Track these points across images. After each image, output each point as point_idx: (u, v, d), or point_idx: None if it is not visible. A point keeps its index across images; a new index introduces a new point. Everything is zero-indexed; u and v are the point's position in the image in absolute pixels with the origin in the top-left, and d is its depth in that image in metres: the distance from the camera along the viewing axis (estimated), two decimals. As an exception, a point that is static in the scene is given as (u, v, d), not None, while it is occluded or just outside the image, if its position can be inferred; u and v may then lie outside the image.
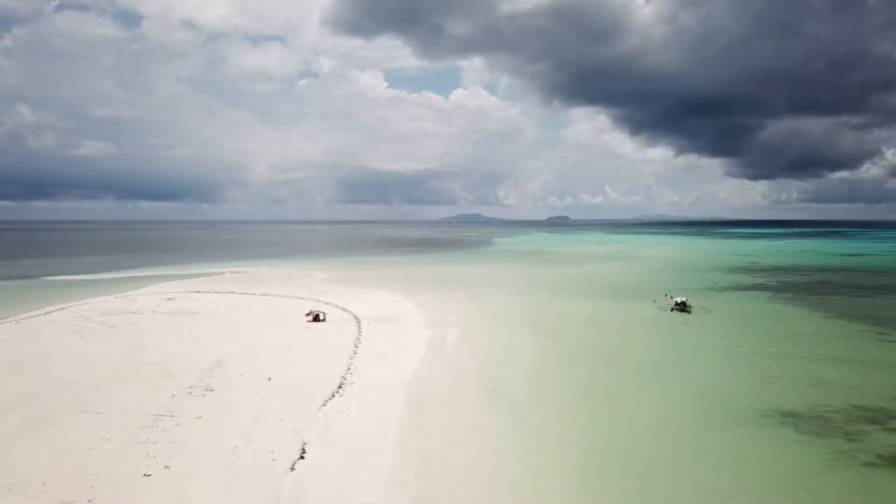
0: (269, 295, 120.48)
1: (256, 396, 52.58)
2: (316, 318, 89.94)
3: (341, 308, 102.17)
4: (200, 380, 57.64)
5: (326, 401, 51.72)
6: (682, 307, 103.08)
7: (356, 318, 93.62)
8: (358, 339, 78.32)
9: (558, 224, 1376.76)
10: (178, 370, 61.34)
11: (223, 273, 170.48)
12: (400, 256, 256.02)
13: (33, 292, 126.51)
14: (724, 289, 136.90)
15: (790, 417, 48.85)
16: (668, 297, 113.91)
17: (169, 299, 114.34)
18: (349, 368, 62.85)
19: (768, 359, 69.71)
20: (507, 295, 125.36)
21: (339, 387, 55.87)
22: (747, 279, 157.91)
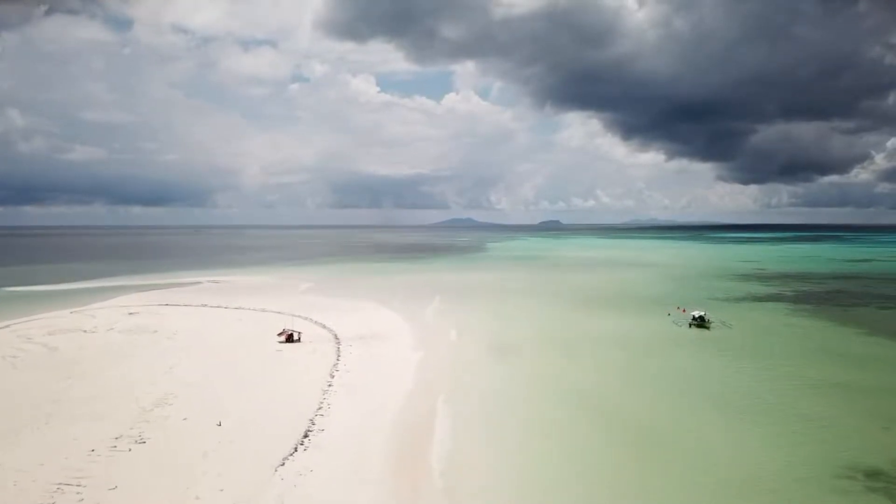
0: (244, 308, 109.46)
1: (198, 451, 41.71)
2: (289, 339, 78.99)
3: (320, 325, 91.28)
4: (133, 425, 46.67)
5: (286, 457, 40.89)
6: (700, 322, 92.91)
7: (336, 337, 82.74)
8: (335, 364, 67.45)
9: (550, 228, 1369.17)
10: (111, 410, 50.39)
11: (200, 282, 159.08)
12: (390, 263, 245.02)
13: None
14: (738, 299, 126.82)
15: (878, 480, 38.23)
16: (681, 310, 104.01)
17: (131, 314, 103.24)
18: (320, 407, 51.95)
19: (815, 389, 59.41)
20: (505, 307, 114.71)
21: (305, 435, 45.03)
22: (759, 288, 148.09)
